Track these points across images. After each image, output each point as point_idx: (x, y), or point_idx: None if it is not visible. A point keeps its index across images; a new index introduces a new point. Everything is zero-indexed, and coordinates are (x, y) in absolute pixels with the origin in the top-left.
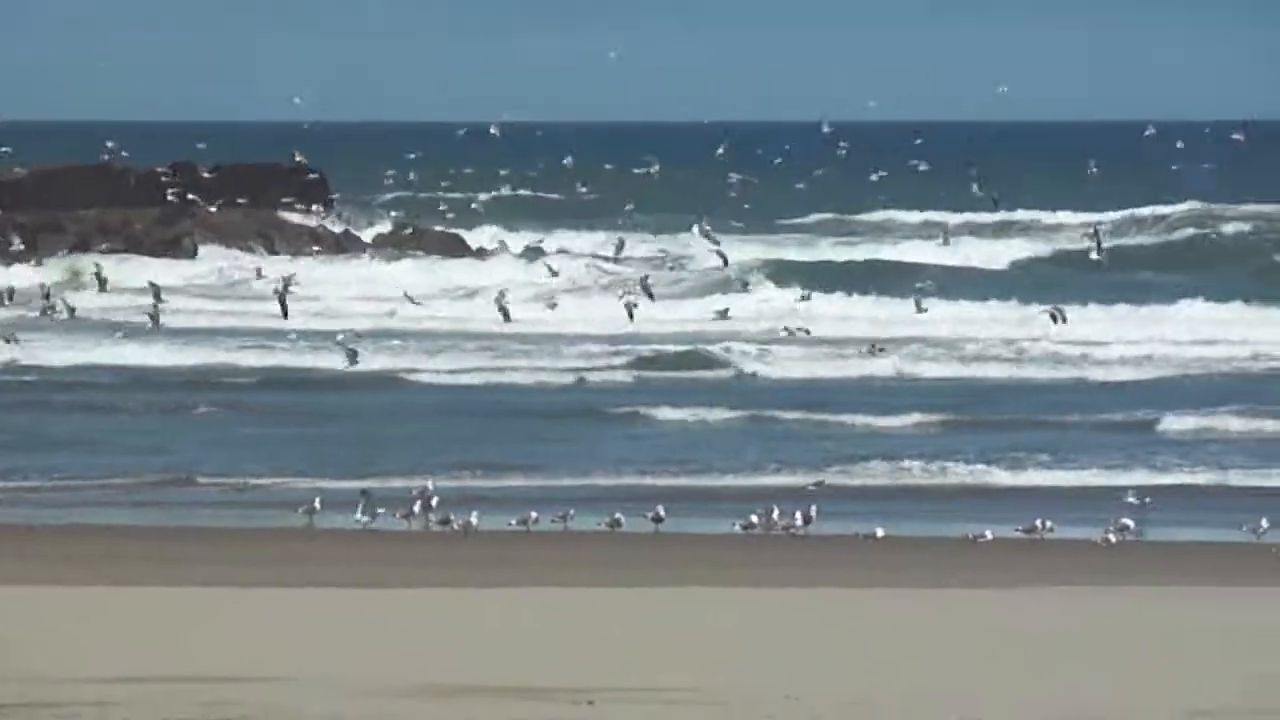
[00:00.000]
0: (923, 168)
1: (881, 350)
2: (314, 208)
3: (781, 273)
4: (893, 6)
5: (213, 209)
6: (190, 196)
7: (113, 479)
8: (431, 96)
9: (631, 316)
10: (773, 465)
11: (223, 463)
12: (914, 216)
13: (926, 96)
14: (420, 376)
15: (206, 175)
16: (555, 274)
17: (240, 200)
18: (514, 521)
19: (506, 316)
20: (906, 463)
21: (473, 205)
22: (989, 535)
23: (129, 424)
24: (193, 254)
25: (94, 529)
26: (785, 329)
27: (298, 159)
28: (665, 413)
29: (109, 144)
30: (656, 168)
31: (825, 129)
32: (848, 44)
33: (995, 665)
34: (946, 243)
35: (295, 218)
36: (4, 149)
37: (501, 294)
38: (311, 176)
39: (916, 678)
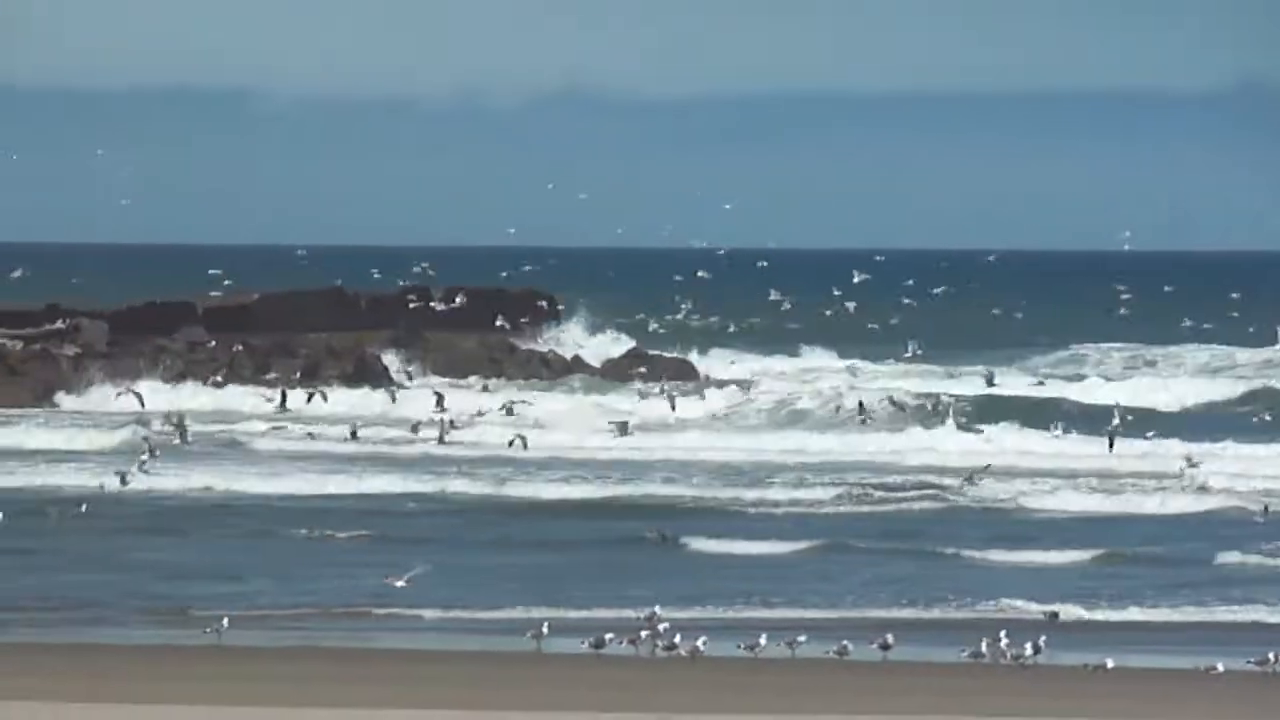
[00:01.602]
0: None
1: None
2: (548, 332)
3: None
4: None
5: (442, 333)
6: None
7: (311, 605)
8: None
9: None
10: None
11: (439, 589)
12: None
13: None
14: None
15: (438, 298)
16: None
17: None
18: (741, 646)
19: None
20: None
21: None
22: (1220, 667)
23: (325, 550)
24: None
25: (318, 651)
26: None
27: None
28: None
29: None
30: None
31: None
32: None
33: None
34: None
35: (524, 343)
36: (213, 270)
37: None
38: (541, 301)
39: None
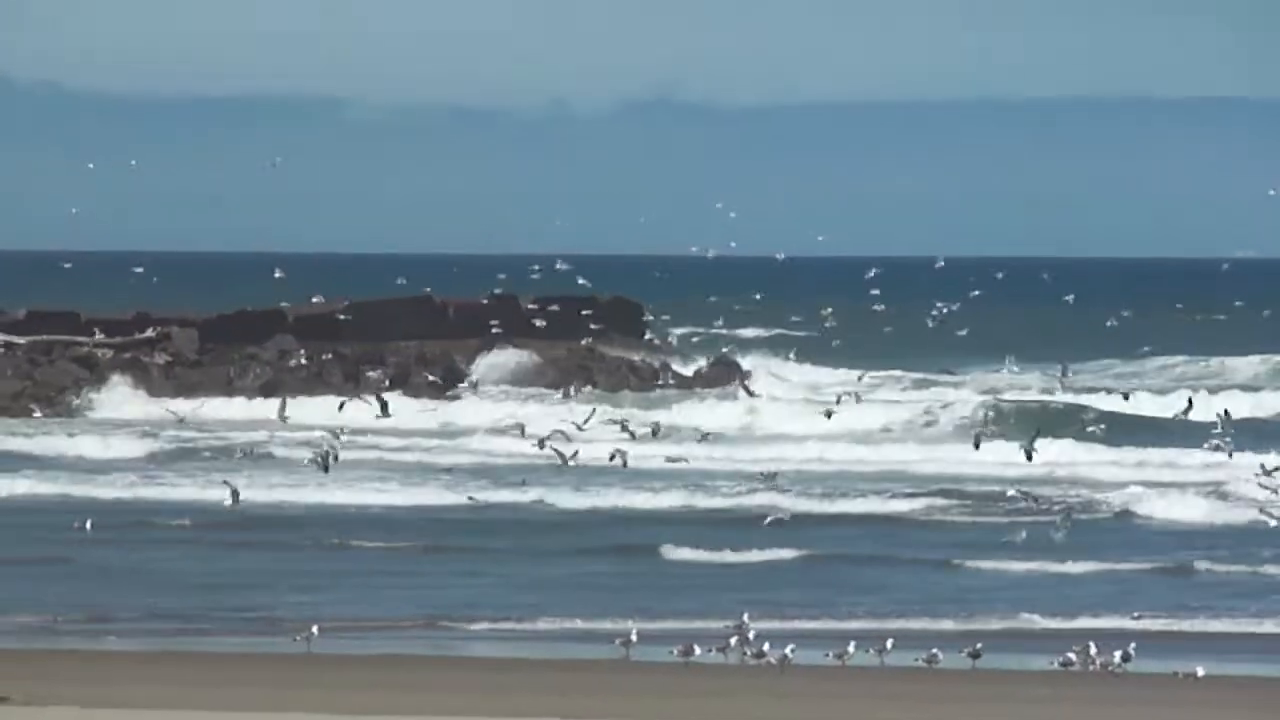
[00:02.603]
0: None
1: None
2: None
3: None
4: None
5: (533, 340)
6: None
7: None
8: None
9: None
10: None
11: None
12: None
13: None
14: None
15: (529, 307)
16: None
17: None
18: (829, 655)
19: None
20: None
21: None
22: None
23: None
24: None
25: (383, 659)
26: None
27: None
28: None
29: (455, 269)
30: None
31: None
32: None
33: None
34: None
35: (615, 351)
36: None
37: None
38: (628, 307)
39: None
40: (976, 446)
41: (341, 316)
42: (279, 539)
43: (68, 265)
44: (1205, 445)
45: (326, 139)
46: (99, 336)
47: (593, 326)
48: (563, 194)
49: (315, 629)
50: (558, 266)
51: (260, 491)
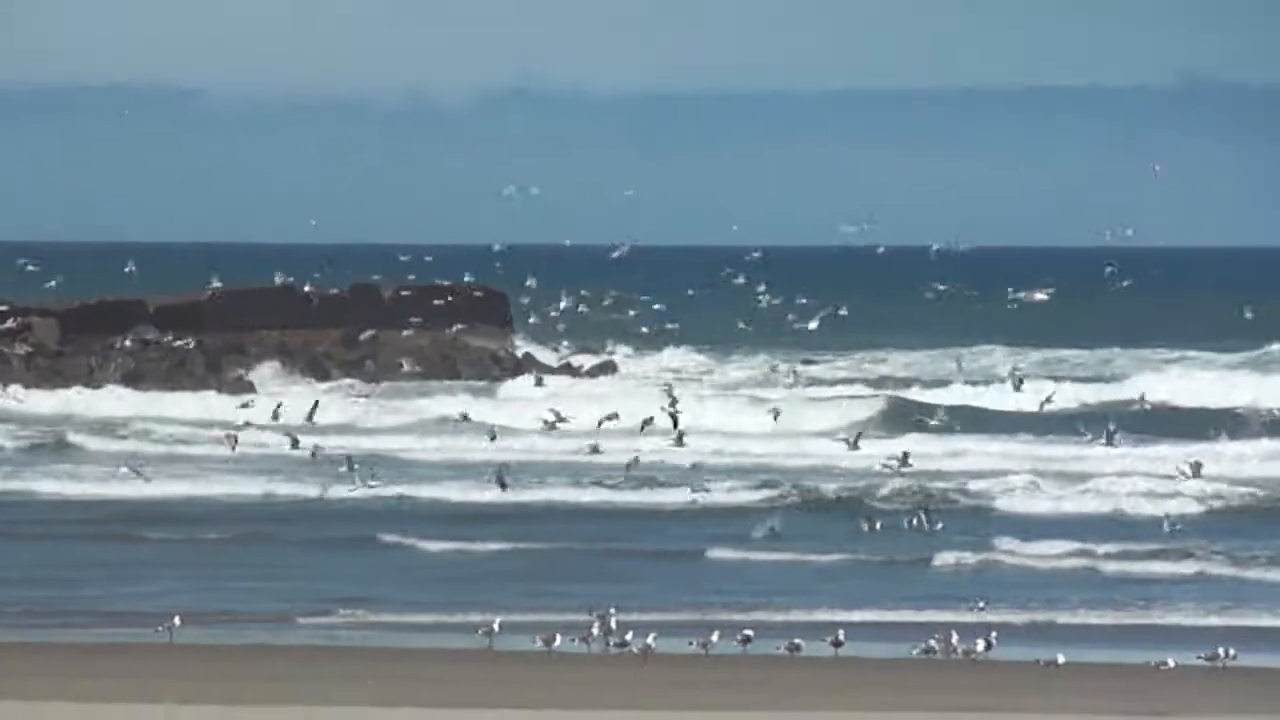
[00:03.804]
0: None
1: None
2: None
3: None
4: None
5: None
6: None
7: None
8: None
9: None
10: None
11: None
12: None
13: None
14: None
15: (387, 296)
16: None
17: (415, 320)
18: (692, 643)
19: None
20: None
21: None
22: (1171, 663)
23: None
24: (374, 378)
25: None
26: None
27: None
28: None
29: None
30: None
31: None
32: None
33: None
34: None
35: (477, 340)
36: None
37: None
38: (492, 298)
39: None
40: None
41: (203, 303)
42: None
43: None
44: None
45: (182, 129)
46: None
47: (456, 318)
48: (425, 184)
49: (177, 619)
50: (426, 259)
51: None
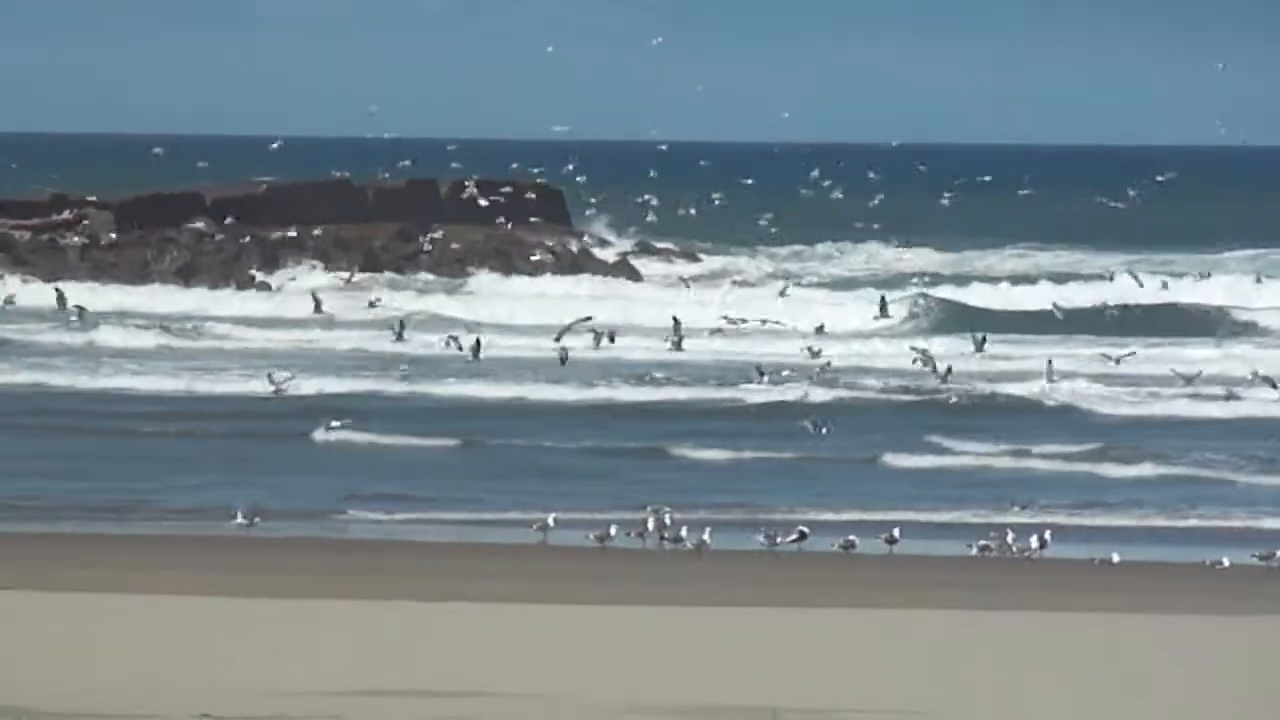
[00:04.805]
0: None
1: None
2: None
3: None
4: None
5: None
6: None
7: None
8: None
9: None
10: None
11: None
12: None
13: None
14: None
15: (444, 191)
16: None
17: (479, 211)
18: (759, 538)
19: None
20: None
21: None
22: (1226, 562)
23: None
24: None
25: (329, 543)
26: None
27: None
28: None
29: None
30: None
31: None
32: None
33: (1245, 693)
34: None
35: (532, 236)
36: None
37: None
38: (550, 193)
39: (1155, 703)
40: None
41: (258, 196)
42: None
43: None
44: None
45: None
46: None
47: (510, 213)
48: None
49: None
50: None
51: None
